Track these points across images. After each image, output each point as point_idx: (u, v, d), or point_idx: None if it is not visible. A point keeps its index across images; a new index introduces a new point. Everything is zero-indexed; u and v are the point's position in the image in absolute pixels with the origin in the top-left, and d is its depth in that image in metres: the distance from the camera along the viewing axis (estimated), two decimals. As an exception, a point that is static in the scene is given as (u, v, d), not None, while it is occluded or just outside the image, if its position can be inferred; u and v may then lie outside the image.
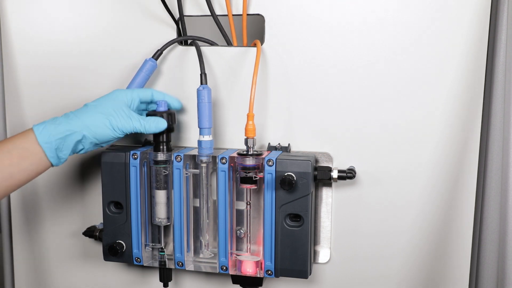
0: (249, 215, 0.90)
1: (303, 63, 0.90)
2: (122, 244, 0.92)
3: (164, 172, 0.89)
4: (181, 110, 0.94)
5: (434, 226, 0.90)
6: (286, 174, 0.84)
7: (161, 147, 0.89)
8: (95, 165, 1.01)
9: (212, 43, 0.94)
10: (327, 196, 0.92)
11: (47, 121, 0.83)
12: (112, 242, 0.92)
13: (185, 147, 0.94)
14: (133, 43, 0.96)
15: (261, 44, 0.90)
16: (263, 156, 0.86)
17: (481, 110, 0.86)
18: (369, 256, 0.93)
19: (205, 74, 0.89)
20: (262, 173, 0.86)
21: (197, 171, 0.89)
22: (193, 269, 0.92)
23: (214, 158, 0.88)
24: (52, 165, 0.83)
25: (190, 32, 0.94)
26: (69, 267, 1.06)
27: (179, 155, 0.88)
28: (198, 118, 0.88)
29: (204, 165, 0.89)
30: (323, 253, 0.94)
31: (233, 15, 0.92)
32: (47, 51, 0.99)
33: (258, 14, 0.91)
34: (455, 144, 0.87)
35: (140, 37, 0.95)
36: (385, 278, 0.93)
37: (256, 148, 0.91)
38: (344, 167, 0.90)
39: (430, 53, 0.85)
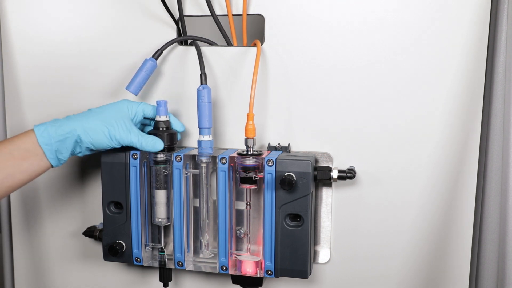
0: (249, 215, 0.90)
1: (303, 63, 0.90)
2: (122, 244, 0.92)
3: (164, 172, 0.89)
4: (183, 131, 0.94)
5: (434, 226, 0.90)
6: (286, 174, 0.84)
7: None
8: (95, 165, 1.01)
9: (212, 43, 0.94)
10: (327, 196, 0.92)
11: (48, 122, 0.83)
12: (112, 242, 0.92)
13: (185, 147, 0.94)
14: (133, 43, 0.96)
15: (261, 44, 0.90)
16: (263, 156, 0.86)
17: (481, 110, 0.86)
18: (369, 256, 0.93)
19: (205, 74, 0.89)
20: (262, 173, 0.86)
21: (197, 171, 0.89)
22: (193, 269, 0.92)
23: (214, 158, 0.88)
24: (52, 166, 0.84)
25: (190, 32, 0.94)
26: (69, 267, 1.06)
27: (179, 155, 0.88)
28: (198, 118, 0.88)
29: (204, 165, 0.89)
30: (323, 253, 0.94)
31: (233, 15, 0.92)
32: (47, 51, 0.99)
33: (258, 14, 0.91)
34: (455, 144, 0.87)
35: (140, 37, 0.95)
36: (385, 278, 0.93)
37: (256, 148, 0.91)
38: (344, 167, 0.90)
39: (430, 53, 0.85)
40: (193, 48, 0.92)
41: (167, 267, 0.93)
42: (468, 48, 0.84)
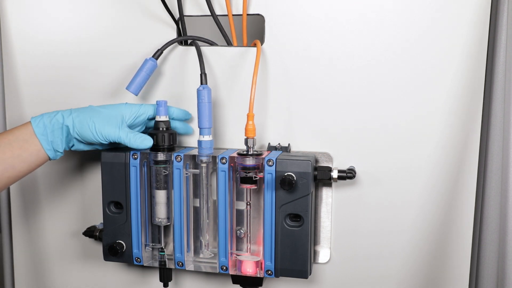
0: (249, 215, 0.90)
1: (303, 63, 0.90)
2: (122, 244, 0.92)
3: (164, 172, 0.89)
4: (190, 118, 0.95)
5: (434, 226, 0.90)
6: (286, 174, 0.84)
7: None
8: (95, 165, 1.01)
9: (212, 43, 0.94)
10: (327, 196, 0.92)
11: (45, 113, 0.85)
12: (112, 242, 0.92)
13: (185, 147, 0.94)
14: (133, 43, 0.96)
15: (261, 44, 0.90)
16: (263, 156, 0.86)
17: (481, 110, 0.86)
18: (369, 256, 0.93)
19: (205, 74, 0.89)
20: (262, 173, 0.86)
21: (197, 171, 0.89)
22: (193, 269, 0.92)
23: (214, 158, 0.88)
24: (50, 159, 0.85)
25: (190, 32, 0.94)
26: (69, 267, 1.06)
27: (179, 155, 0.88)
28: (198, 118, 0.88)
29: (204, 165, 0.89)
30: (323, 253, 0.94)
31: (233, 15, 0.92)
32: (47, 51, 0.99)
33: (258, 14, 0.91)
34: (455, 144, 0.87)
35: (140, 37, 0.95)
36: (385, 278, 0.93)
37: (256, 148, 0.91)
38: (344, 167, 0.90)
39: (430, 53, 0.85)
40: (193, 48, 0.92)
41: (167, 267, 0.93)
42: (468, 48, 0.84)
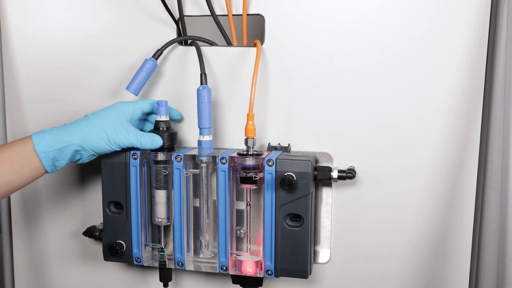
0: (249, 215, 0.90)
1: (303, 63, 0.90)
2: (122, 244, 0.92)
3: (164, 172, 0.89)
4: (181, 119, 0.95)
5: (434, 226, 0.90)
6: (286, 174, 0.84)
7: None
8: (95, 165, 1.01)
9: (212, 43, 0.94)
10: (327, 196, 0.92)
11: (46, 130, 0.85)
12: (112, 242, 0.92)
13: (185, 147, 0.94)
14: (133, 43, 0.96)
15: (261, 44, 0.90)
16: (263, 156, 0.86)
17: (481, 110, 0.86)
18: (369, 256, 0.93)
19: (205, 74, 0.89)
20: (262, 173, 0.86)
21: (197, 171, 0.89)
22: (193, 269, 0.92)
23: (214, 158, 0.88)
24: (47, 172, 0.85)
25: (190, 32, 0.94)
26: (69, 267, 1.06)
27: (179, 155, 0.88)
28: (198, 118, 0.88)
29: (204, 165, 0.89)
30: (323, 253, 0.94)
31: (233, 15, 0.92)
32: (47, 51, 0.99)
33: (258, 14, 0.91)
34: (455, 144, 0.87)
35: (140, 37, 0.95)
36: (385, 278, 0.93)
37: (256, 148, 0.91)
38: (344, 167, 0.90)
39: (430, 53, 0.85)
40: (193, 48, 0.92)
41: (167, 267, 0.93)
42: (468, 48, 0.84)
